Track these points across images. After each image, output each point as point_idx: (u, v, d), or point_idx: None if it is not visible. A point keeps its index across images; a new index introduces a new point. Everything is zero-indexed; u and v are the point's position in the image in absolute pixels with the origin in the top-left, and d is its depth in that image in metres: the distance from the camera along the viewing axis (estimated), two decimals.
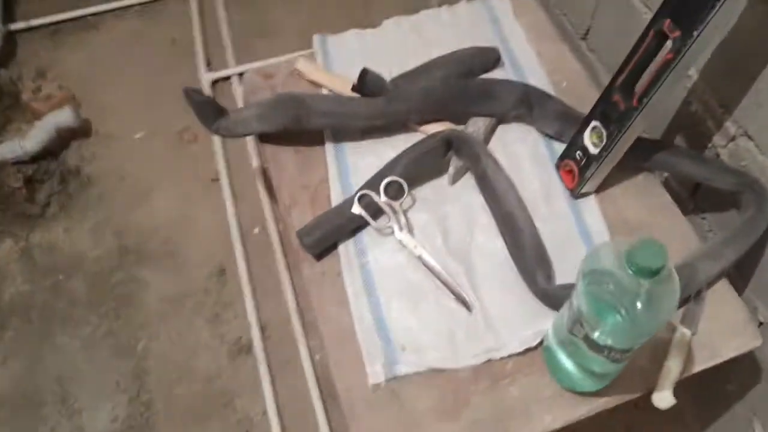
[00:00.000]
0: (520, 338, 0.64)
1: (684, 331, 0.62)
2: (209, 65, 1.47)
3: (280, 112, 0.76)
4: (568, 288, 0.63)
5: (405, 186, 0.73)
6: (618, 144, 0.65)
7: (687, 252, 0.68)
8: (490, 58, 0.85)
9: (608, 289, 0.47)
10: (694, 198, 0.81)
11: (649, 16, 0.74)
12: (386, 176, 0.72)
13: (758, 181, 0.66)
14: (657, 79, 0.58)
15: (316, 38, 0.91)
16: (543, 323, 0.64)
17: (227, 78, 1.45)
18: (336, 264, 0.71)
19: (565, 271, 0.67)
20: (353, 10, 1.55)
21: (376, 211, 0.72)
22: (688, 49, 0.54)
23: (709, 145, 0.74)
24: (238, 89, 1.41)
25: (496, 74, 0.84)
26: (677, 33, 0.55)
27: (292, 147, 0.81)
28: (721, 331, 0.65)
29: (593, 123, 0.68)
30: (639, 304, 0.46)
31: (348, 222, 0.72)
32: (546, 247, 0.68)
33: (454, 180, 0.76)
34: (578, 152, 0.71)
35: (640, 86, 0.60)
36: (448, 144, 0.74)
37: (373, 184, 0.73)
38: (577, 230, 0.71)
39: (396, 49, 0.89)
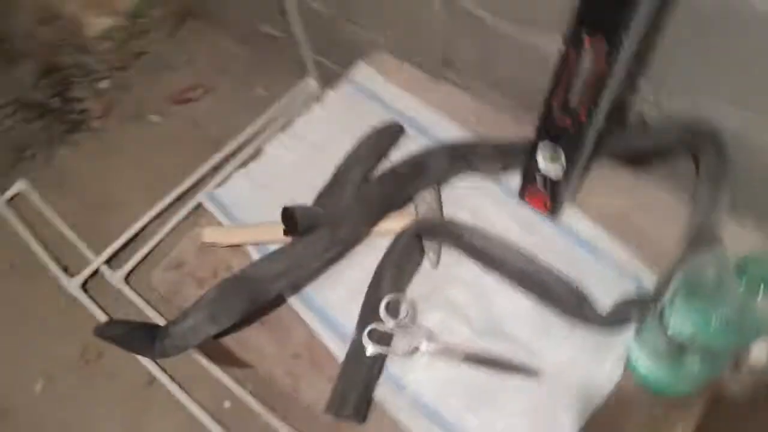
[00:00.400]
0: (605, 376, 0.61)
1: None
2: (67, 271, 1.28)
3: (232, 301, 0.65)
4: (622, 307, 0.62)
5: (402, 298, 0.66)
6: (581, 159, 0.64)
7: (678, 219, 0.68)
8: (394, 131, 0.80)
9: (708, 299, 0.45)
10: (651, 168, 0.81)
11: (496, 21, 0.77)
12: (378, 299, 0.65)
13: (696, 121, 0.68)
14: (599, 90, 0.57)
15: (203, 197, 0.81)
16: (608, 352, 0.62)
17: (95, 273, 1.27)
18: (381, 417, 0.63)
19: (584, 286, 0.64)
20: (191, 156, 1.42)
21: (389, 339, 0.65)
22: (620, 54, 0.54)
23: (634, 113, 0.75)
24: (114, 276, 1.24)
25: (407, 144, 0.80)
26: (602, 44, 0.54)
27: (255, 324, 0.70)
28: None
29: (543, 148, 0.66)
30: (744, 312, 0.44)
31: (370, 369, 0.63)
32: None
33: (438, 261, 0.70)
34: (539, 178, 0.68)
35: (581, 102, 0.59)
36: (419, 236, 0.69)
37: (369, 314, 0.65)
38: (575, 243, 0.69)
39: (293, 169, 0.81)
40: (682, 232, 0.66)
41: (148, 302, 1.21)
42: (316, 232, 0.69)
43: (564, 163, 0.65)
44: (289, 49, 1.39)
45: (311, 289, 0.71)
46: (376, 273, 0.68)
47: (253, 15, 1.39)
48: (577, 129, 0.61)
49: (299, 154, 0.83)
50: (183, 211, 1.31)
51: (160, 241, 1.28)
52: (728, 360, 0.51)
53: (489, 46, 0.83)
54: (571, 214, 0.71)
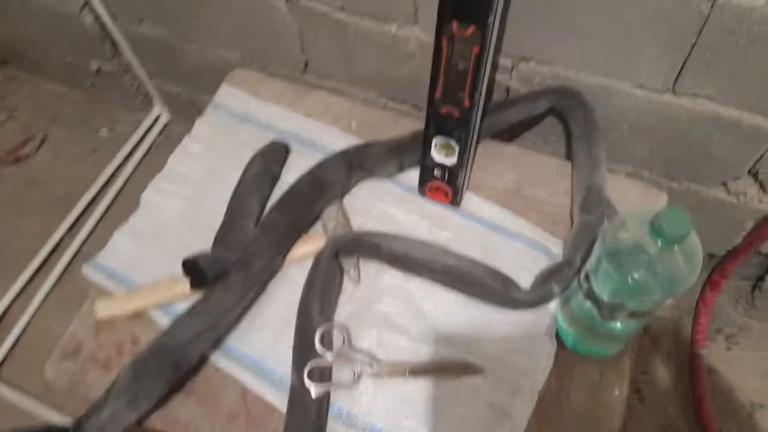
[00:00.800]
0: (544, 353, 0.63)
1: None
2: None
3: (151, 379, 0.58)
4: (542, 281, 0.65)
5: (333, 325, 0.64)
6: (472, 143, 0.66)
7: (565, 180, 0.73)
8: (279, 150, 0.77)
9: (629, 260, 0.48)
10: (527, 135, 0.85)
11: (348, 18, 0.76)
12: (310, 333, 0.62)
13: (562, 86, 0.72)
14: (476, 73, 0.58)
15: (86, 268, 0.72)
16: (540, 329, 0.64)
17: None
18: None
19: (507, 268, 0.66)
20: (38, 222, 1.25)
21: (329, 373, 0.62)
22: (490, 36, 0.55)
23: (501, 90, 0.78)
24: None
25: (296, 161, 0.77)
26: (471, 29, 0.55)
27: (179, 396, 0.63)
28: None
29: (435, 140, 0.67)
30: (665, 269, 0.47)
31: (318, 411, 0.59)
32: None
33: (359, 277, 0.69)
34: (436, 170, 0.69)
35: (462, 88, 0.61)
36: (337, 254, 0.66)
37: (304, 351, 0.62)
38: (487, 228, 0.70)
39: (178, 214, 0.75)
40: (573, 193, 0.71)
41: (38, 399, 1.05)
42: (228, 277, 0.64)
43: (457, 151, 0.67)
44: (127, 81, 1.28)
45: (233, 341, 0.65)
46: (301, 305, 0.64)
47: (77, 52, 1.25)
48: (464, 115, 0.63)
49: (182, 196, 0.76)
50: (45, 287, 1.15)
51: (27, 326, 1.12)
52: (650, 316, 0.55)
53: (347, 43, 0.83)
54: (471, 200, 0.73)
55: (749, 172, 0.72)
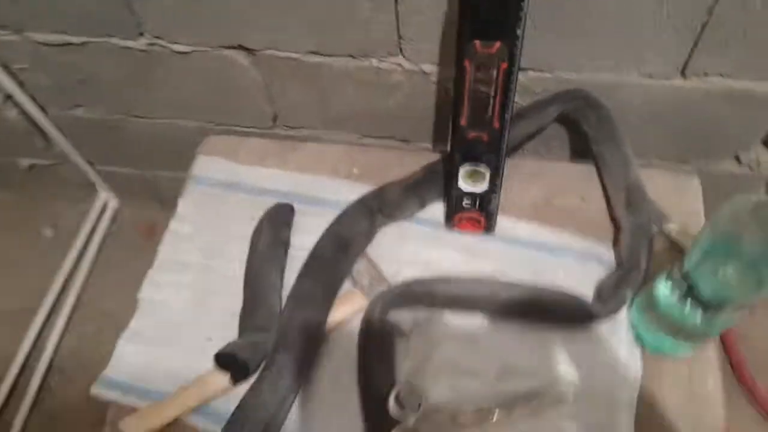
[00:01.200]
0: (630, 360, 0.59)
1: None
2: None
3: None
4: (610, 290, 0.61)
5: (404, 384, 0.57)
6: (504, 165, 0.62)
7: (591, 182, 0.70)
8: (286, 212, 0.69)
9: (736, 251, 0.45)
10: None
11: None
12: (380, 400, 0.55)
13: (569, 90, 0.69)
14: (506, 90, 0.55)
15: (96, 388, 0.61)
16: (616, 339, 0.60)
17: None
18: None
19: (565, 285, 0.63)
20: None
21: None
22: (519, 49, 0.52)
23: None
24: None
25: (304, 222, 0.70)
26: (497, 45, 0.52)
27: None
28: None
29: (462, 169, 0.62)
30: None
31: None
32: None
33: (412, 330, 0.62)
34: (465, 201, 0.65)
35: (491, 108, 0.57)
36: (386, 312, 0.60)
37: (379, 425, 0.55)
38: (530, 249, 0.66)
39: (187, 305, 0.66)
40: (609, 195, 0.68)
41: None
42: (274, 361, 0.56)
43: (488, 177, 0.63)
44: (65, 172, 1.16)
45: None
46: (364, 374, 0.57)
47: (2, 151, 1.12)
48: (494, 137, 0.59)
49: (185, 285, 0.67)
50: (21, 415, 1.00)
51: None
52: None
53: (321, 87, 0.78)
54: (503, 224, 0.69)
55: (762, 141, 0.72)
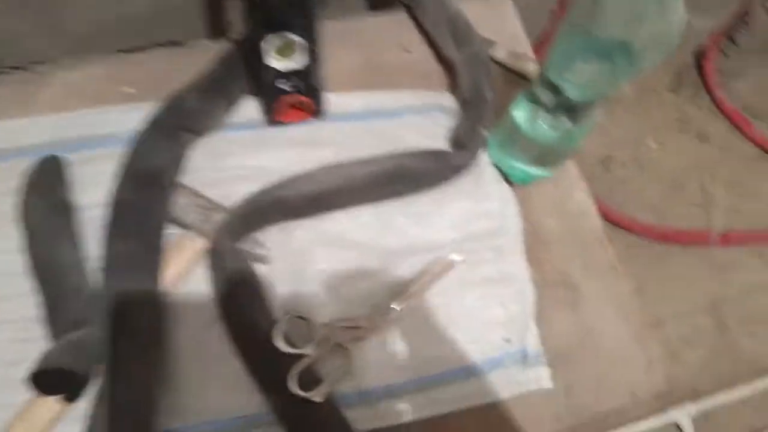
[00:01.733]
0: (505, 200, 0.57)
1: None
2: None
3: None
4: (472, 132, 0.56)
5: (288, 317, 0.47)
6: (315, 26, 0.50)
7: (413, 30, 0.63)
8: (54, 169, 0.51)
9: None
10: None
11: None
12: (269, 347, 0.45)
13: None
14: None
15: None
16: (485, 182, 0.57)
17: None
18: None
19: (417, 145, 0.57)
20: None
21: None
22: None
23: None
24: None
25: (84, 173, 0.52)
26: None
27: None
28: None
29: (266, 44, 0.49)
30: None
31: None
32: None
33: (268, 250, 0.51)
34: (280, 83, 0.53)
35: None
36: (233, 244, 0.48)
37: (275, 371, 0.45)
38: (369, 120, 0.58)
39: None
40: (431, 36, 0.61)
41: None
42: (111, 356, 0.42)
43: (302, 45, 0.51)
44: None
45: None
46: (234, 324, 0.46)
47: None
48: None
49: None
50: None
51: None
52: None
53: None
54: (331, 101, 0.58)
55: None
